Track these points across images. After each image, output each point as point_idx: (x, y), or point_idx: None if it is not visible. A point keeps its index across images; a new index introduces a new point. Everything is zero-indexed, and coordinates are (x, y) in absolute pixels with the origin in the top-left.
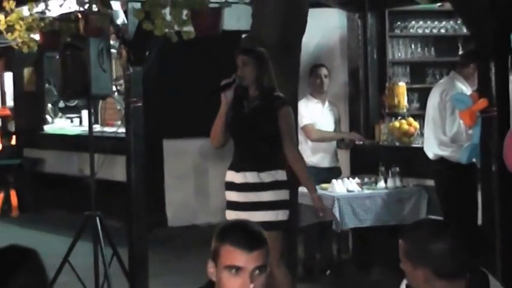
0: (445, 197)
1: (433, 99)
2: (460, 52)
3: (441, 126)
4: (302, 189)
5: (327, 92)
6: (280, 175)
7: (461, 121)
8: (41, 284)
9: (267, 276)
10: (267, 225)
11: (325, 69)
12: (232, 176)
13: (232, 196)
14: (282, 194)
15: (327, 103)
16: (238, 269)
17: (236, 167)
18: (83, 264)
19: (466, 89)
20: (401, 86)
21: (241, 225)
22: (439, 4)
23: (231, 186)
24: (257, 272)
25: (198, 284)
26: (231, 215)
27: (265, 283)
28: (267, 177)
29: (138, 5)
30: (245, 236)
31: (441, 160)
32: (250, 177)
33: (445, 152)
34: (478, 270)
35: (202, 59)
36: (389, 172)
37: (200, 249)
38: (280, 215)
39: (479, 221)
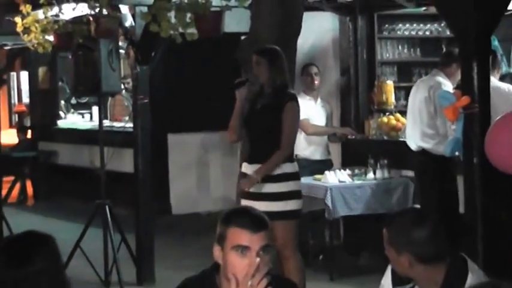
0: (427, 186)
1: (420, 94)
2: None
3: (427, 120)
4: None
5: (319, 89)
6: (289, 167)
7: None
8: (57, 267)
9: (274, 258)
10: (279, 215)
11: (315, 68)
12: (246, 168)
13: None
14: (291, 185)
15: (319, 100)
16: (244, 248)
17: (249, 159)
18: (93, 249)
19: (449, 85)
20: (389, 84)
21: (246, 209)
22: (424, 8)
23: (244, 176)
24: (262, 252)
25: (201, 267)
26: (244, 204)
27: (271, 263)
28: (276, 169)
29: (145, 9)
30: (250, 218)
31: (423, 152)
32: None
33: (428, 145)
34: (458, 255)
35: (205, 59)
36: (378, 164)
37: (202, 235)
38: (290, 205)
39: (461, 210)
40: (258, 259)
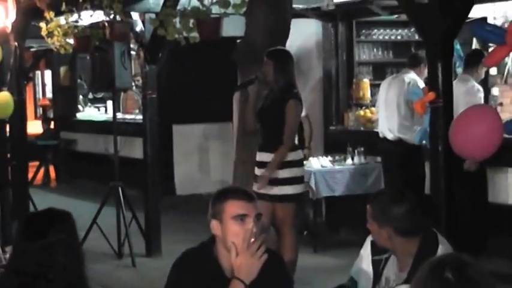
0: (399, 170)
1: (398, 89)
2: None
3: (405, 112)
4: None
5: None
6: (294, 155)
7: None
8: (73, 240)
9: (274, 238)
10: (281, 198)
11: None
12: (259, 156)
13: (257, 172)
14: (295, 172)
15: None
16: (243, 216)
17: (260, 148)
18: (107, 225)
19: (422, 82)
20: (366, 82)
21: (235, 187)
22: (396, 16)
23: (257, 164)
24: (256, 219)
25: (202, 240)
26: (255, 187)
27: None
28: (288, 156)
29: (153, 15)
30: (243, 191)
31: (400, 141)
32: (266, 157)
33: (405, 135)
34: (430, 230)
35: (205, 59)
36: (355, 151)
37: (202, 213)
38: (294, 189)
39: (427, 191)
40: (255, 229)
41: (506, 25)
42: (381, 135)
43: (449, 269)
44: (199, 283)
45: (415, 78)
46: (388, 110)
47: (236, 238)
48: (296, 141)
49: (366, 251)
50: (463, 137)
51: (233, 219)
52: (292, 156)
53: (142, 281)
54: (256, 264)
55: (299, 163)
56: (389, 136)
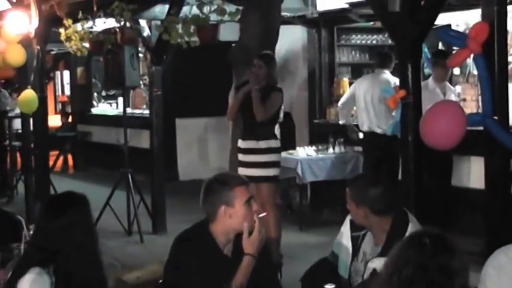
0: (376, 159)
1: (374, 87)
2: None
3: (384, 108)
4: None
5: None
6: (274, 143)
7: None
8: (88, 219)
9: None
10: (264, 179)
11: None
12: (240, 143)
13: (240, 157)
14: (274, 157)
15: None
16: (250, 199)
17: (243, 136)
18: (119, 206)
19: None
20: (345, 81)
21: (232, 174)
22: (372, 23)
23: (239, 150)
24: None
25: (202, 219)
26: (241, 171)
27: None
28: (264, 144)
29: (158, 22)
30: (241, 177)
31: (385, 135)
32: (250, 144)
33: (381, 128)
34: (401, 209)
35: (204, 60)
36: (336, 142)
37: None
38: (273, 172)
39: (399, 176)
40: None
41: (467, 31)
42: (366, 129)
43: (428, 237)
44: (199, 258)
45: (387, 78)
46: (369, 105)
47: (247, 220)
48: (278, 134)
49: (346, 228)
50: (432, 129)
51: (245, 204)
52: (272, 144)
53: (149, 256)
54: (261, 239)
55: (277, 150)
56: (378, 130)
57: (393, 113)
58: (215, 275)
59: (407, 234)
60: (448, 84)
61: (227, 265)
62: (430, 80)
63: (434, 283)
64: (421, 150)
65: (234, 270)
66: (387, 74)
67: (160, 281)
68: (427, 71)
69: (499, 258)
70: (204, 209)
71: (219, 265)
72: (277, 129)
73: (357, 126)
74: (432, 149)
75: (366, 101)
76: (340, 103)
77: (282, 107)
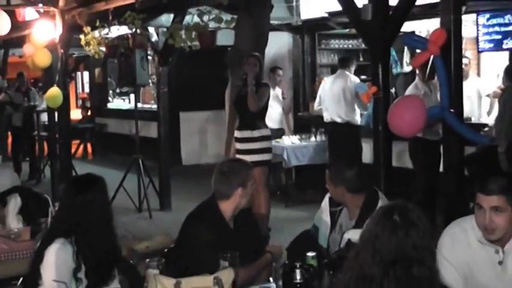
0: (346, 146)
1: (341, 85)
2: (361, 59)
3: (350, 101)
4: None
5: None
6: (265, 132)
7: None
8: (104, 198)
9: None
10: (257, 163)
11: (281, 71)
12: (237, 133)
13: (237, 146)
14: (267, 143)
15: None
16: (254, 181)
17: (239, 127)
18: (131, 187)
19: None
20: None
21: (240, 159)
22: (348, 29)
23: (236, 139)
24: None
25: (203, 199)
26: (239, 157)
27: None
28: (257, 133)
29: (165, 29)
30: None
31: (346, 123)
32: (246, 133)
33: (351, 118)
34: (372, 188)
35: (204, 62)
36: (317, 132)
37: (203, 179)
38: (266, 157)
39: (369, 161)
40: None
41: (428, 36)
42: (328, 119)
43: (397, 213)
44: (207, 230)
45: (352, 76)
46: (336, 99)
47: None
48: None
49: (325, 204)
50: (397, 119)
51: (252, 186)
52: (264, 132)
53: (157, 229)
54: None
55: (269, 138)
56: (339, 120)
57: (355, 106)
58: (222, 244)
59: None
60: (434, 82)
61: (231, 236)
62: (417, 81)
63: (414, 259)
64: (389, 137)
65: (236, 240)
66: (348, 74)
67: (166, 250)
68: (394, 71)
69: (454, 229)
70: (218, 189)
71: (226, 236)
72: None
73: (322, 117)
74: (397, 135)
75: (330, 96)
76: (316, 106)
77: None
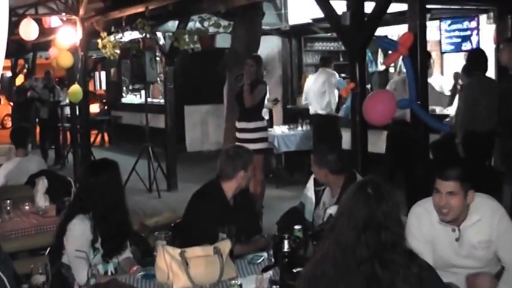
0: (326, 133)
1: (323, 81)
2: (341, 59)
3: (328, 95)
4: None
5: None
6: (261, 123)
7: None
8: (118, 180)
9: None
10: (255, 151)
11: (264, 71)
12: (237, 124)
13: (237, 135)
14: (262, 134)
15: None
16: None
17: (238, 119)
18: (142, 171)
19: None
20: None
21: (241, 146)
22: (330, 33)
23: (236, 129)
24: None
25: (204, 180)
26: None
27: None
28: (253, 125)
29: (170, 34)
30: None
31: (328, 115)
32: (244, 124)
33: (329, 110)
34: (351, 170)
35: (205, 62)
36: (304, 122)
37: (205, 164)
38: (262, 145)
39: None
40: None
41: (398, 39)
42: (312, 112)
43: (370, 187)
44: (211, 207)
45: (334, 74)
46: (317, 94)
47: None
48: (266, 116)
49: (310, 184)
50: (371, 111)
51: (252, 170)
52: (259, 124)
53: (164, 206)
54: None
55: (265, 128)
56: (321, 112)
57: (335, 100)
58: (223, 219)
59: None
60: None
61: (231, 212)
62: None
63: (383, 224)
64: (365, 126)
65: (235, 215)
66: (328, 71)
67: (172, 224)
68: (370, 69)
69: (418, 210)
70: (223, 170)
71: (226, 212)
72: (266, 113)
73: (308, 110)
74: (372, 125)
75: (313, 91)
76: (303, 101)
77: (268, 96)
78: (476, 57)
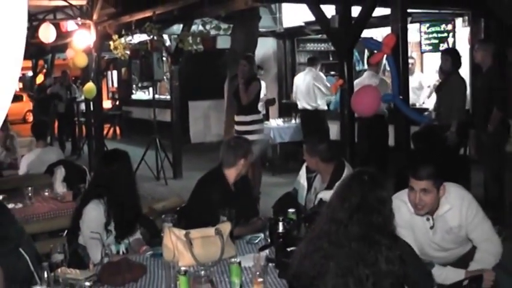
0: (315, 125)
1: (309, 79)
2: (330, 59)
3: (317, 92)
4: None
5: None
6: (257, 116)
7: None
8: (129, 169)
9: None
10: (253, 142)
11: (262, 71)
12: (235, 117)
13: (235, 127)
14: (257, 126)
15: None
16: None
17: (237, 113)
18: (150, 161)
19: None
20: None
21: (241, 137)
22: (320, 35)
23: (235, 123)
24: None
25: (207, 169)
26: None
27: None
28: (250, 118)
29: (176, 36)
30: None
31: (315, 109)
32: (241, 118)
33: (319, 105)
34: (340, 158)
35: (207, 62)
36: (297, 115)
37: (207, 154)
38: (257, 137)
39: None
40: None
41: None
42: (300, 107)
43: (366, 175)
44: (213, 192)
45: (319, 72)
46: (305, 91)
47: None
48: (262, 110)
49: (303, 171)
50: (359, 103)
51: (250, 158)
52: (255, 117)
53: (171, 192)
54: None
55: (261, 121)
56: (309, 107)
57: (321, 95)
58: (224, 203)
59: (344, 175)
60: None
61: (232, 196)
62: (372, 73)
63: (373, 209)
64: (353, 118)
65: (235, 200)
66: (314, 71)
67: (178, 208)
68: (357, 68)
69: (397, 201)
70: (225, 158)
71: (227, 197)
72: (263, 107)
73: (296, 105)
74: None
75: (301, 89)
76: (293, 97)
77: (264, 92)
78: (458, 56)
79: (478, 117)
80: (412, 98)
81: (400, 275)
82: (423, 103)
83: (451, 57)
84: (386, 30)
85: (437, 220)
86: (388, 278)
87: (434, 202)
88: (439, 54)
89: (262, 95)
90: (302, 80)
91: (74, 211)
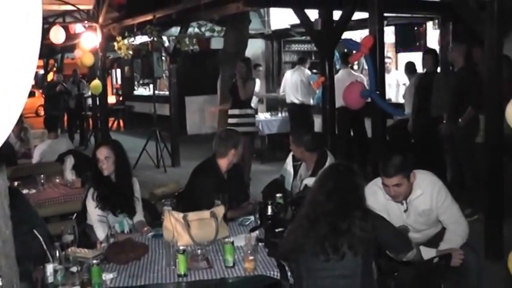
0: (301, 119)
1: (298, 76)
2: (313, 58)
3: (305, 88)
4: None
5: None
6: (249, 111)
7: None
8: (123, 154)
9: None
10: (245, 134)
11: (260, 67)
12: (230, 111)
13: (229, 120)
14: (249, 119)
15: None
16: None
17: (231, 107)
18: (151, 150)
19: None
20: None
21: (232, 129)
22: (304, 37)
23: (229, 116)
24: None
25: (202, 158)
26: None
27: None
28: (243, 111)
29: (174, 37)
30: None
31: (302, 104)
32: (235, 111)
33: (305, 100)
34: (323, 148)
35: (202, 60)
36: (283, 109)
37: (203, 144)
38: (250, 129)
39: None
40: None
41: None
42: (288, 101)
43: (341, 166)
44: (208, 179)
45: (306, 70)
46: (293, 87)
47: (238, 156)
48: (255, 105)
49: (289, 160)
50: (348, 97)
51: (241, 148)
52: (248, 111)
53: (169, 179)
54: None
55: (251, 115)
56: (296, 101)
57: (308, 91)
58: (218, 189)
59: (327, 163)
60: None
61: (225, 183)
62: (349, 70)
63: (346, 190)
64: (333, 112)
65: (228, 186)
66: (302, 69)
67: (176, 193)
68: (338, 66)
69: (373, 187)
70: (217, 149)
71: (221, 183)
72: (256, 102)
73: (285, 100)
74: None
75: (290, 84)
76: (280, 92)
77: (257, 89)
78: (437, 56)
79: (448, 112)
80: (390, 94)
81: (372, 239)
82: (402, 99)
83: (433, 56)
84: (365, 32)
85: (410, 204)
86: (363, 244)
87: (408, 189)
88: (411, 54)
89: (257, 89)
90: (290, 77)
91: (82, 196)
